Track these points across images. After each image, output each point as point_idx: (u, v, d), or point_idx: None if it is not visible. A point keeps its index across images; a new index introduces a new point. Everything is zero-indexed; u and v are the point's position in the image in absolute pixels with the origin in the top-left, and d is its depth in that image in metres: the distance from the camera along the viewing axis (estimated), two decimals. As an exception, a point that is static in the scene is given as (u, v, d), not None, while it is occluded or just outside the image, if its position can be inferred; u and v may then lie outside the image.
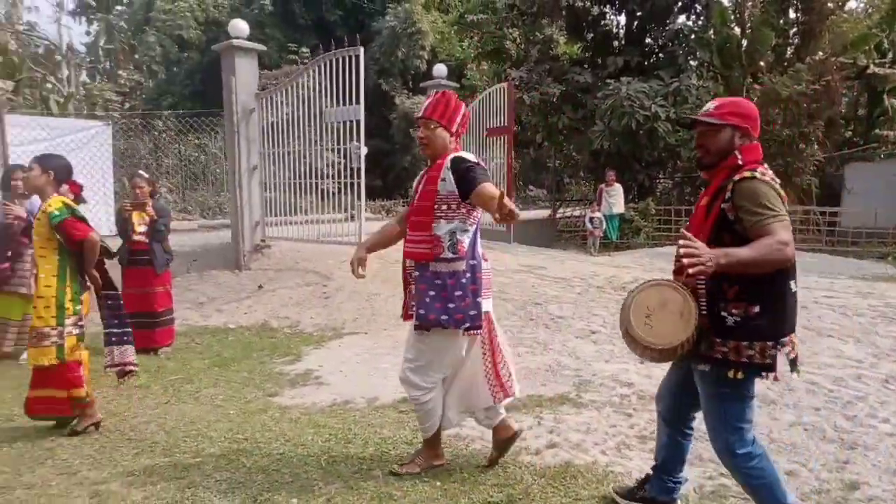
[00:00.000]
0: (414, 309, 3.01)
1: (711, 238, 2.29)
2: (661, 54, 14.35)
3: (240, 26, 8.26)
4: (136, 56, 23.46)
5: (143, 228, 5.52)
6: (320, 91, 7.92)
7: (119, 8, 27.15)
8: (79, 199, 3.92)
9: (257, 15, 21.30)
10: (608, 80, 11.97)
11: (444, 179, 2.95)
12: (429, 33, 20.30)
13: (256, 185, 8.32)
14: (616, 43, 14.90)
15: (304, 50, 17.89)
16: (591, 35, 14.75)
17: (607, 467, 3.27)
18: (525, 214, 17.49)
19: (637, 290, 2.41)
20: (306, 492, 2.99)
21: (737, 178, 2.30)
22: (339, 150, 8.00)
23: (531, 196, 25.04)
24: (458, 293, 2.94)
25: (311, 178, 8.11)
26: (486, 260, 3.10)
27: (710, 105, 2.49)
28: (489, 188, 2.83)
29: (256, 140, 8.30)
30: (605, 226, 11.15)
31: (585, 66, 14.02)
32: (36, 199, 5.34)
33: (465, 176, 2.90)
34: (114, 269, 5.72)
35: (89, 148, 7.83)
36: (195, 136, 15.54)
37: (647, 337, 2.32)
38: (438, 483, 3.07)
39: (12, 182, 5.23)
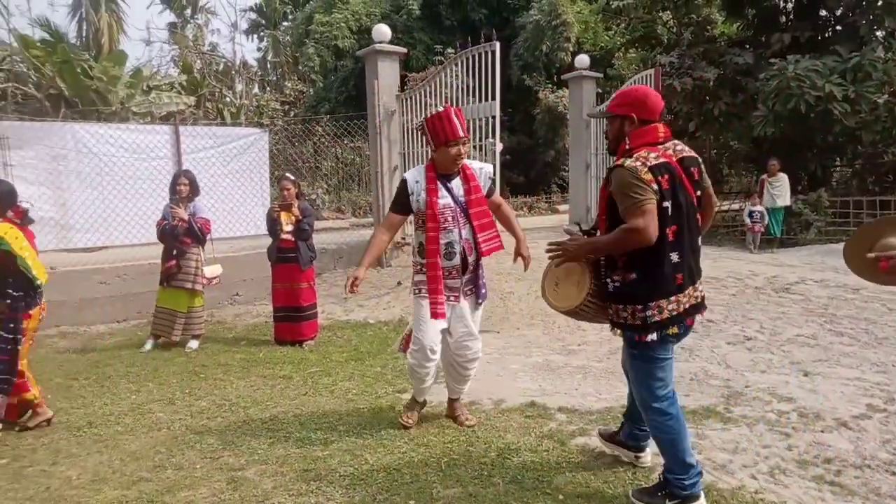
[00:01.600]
0: (479, 290, 3.67)
1: (609, 223, 2.67)
2: (838, 26, 12.75)
3: (382, 30, 8.52)
4: (299, 67, 25.25)
5: (289, 228, 5.84)
6: (458, 89, 7.95)
7: (285, 24, 29.45)
8: (24, 220, 3.99)
9: (405, 20, 22.00)
10: (772, 60, 10.80)
11: (483, 181, 3.63)
12: (574, 24, 19.72)
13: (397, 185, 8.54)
14: (783, 18, 13.46)
15: (450, 50, 18.21)
16: (754, 12, 13.46)
17: (756, 494, 2.89)
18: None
19: (550, 264, 2.91)
20: (424, 495, 2.95)
21: (612, 165, 2.64)
22: (476, 147, 7.97)
23: (685, 189, 23.43)
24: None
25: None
26: None
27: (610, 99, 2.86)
28: None
29: (397, 140, 8.52)
30: (766, 220, 10.08)
31: (746, 45, 12.81)
32: (199, 201, 5.87)
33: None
34: (265, 265, 6.15)
35: (249, 153, 8.52)
36: (350, 139, 16.41)
37: (553, 300, 2.89)
38: (561, 497, 2.89)
39: (178, 187, 5.77)
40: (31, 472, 3.35)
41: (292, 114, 24.19)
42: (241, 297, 8.06)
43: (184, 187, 5.73)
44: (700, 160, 2.75)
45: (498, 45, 7.12)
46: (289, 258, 5.85)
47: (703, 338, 5.48)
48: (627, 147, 2.64)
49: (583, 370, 4.87)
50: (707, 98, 12.13)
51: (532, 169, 20.86)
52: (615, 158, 2.72)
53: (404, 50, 9.18)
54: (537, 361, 5.13)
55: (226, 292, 7.86)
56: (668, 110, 13.47)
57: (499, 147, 7.31)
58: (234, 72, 25.61)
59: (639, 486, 2.91)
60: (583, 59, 10.43)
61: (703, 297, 2.74)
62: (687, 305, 2.65)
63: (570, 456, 3.32)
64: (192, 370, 5.20)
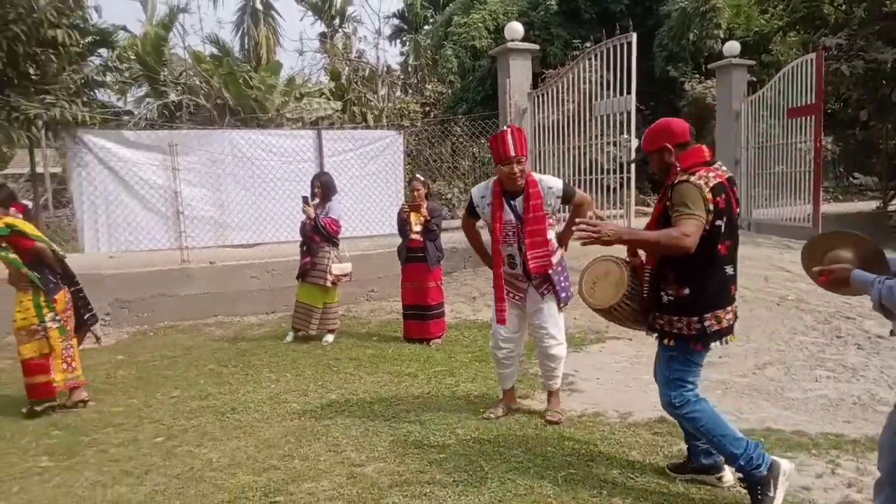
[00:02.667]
0: (559, 294, 3.85)
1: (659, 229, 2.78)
2: None
3: (514, 28, 8.44)
4: (438, 69, 25.84)
5: (418, 228, 5.96)
6: (593, 83, 7.67)
7: (426, 28, 30.27)
8: (27, 216, 4.61)
9: (543, 16, 21.72)
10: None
11: (548, 200, 3.76)
12: (724, 9, 18.33)
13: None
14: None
15: (588, 44, 17.68)
16: (945, -20, 11.68)
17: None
18: (842, 207, 14.69)
19: (592, 262, 3.01)
20: (538, 508, 2.84)
21: (674, 181, 2.75)
22: (611, 144, 7.65)
23: (856, 185, 21.01)
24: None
25: (589, 174, 7.89)
26: None
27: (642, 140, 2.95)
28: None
29: (528, 140, 8.40)
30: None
31: (935, 20, 11.15)
32: (335, 202, 6.15)
33: (567, 190, 3.84)
34: (399, 263, 6.31)
35: (385, 155, 8.82)
36: (487, 138, 16.50)
37: (589, 298, 2.95)
38: (687, 526, 2.66)
39: (313, 189, 6.09)
40: (179, 452, 3.68)
41: (432, 115, 24.76)
42: (375, 294, 8.36)
43: (317, 189, 6.04)
44: (734, 180, 2.88)
45: (634, 36, 6.77)
46: (417, 257, 5.97)
47: (870, 356, 4.83)
48: (680, 169, 2.76)
49: (723, 385, 4.48)
50: (883, 82, 10.72)
51: (675, 165, 19.72)
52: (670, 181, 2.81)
53: (536, 47, 9.03)
54: (671, 373, 4.79)
55: (362, 288, 8.19)
56: (835, 97, 12.08)
57: (634, 143, 6.95)
58: (378, 77, 26.75)
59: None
60: (732, 47, 9.64)
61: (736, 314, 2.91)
62: (734, 313, 2.83)
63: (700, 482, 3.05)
64: (326, 363, 5.46)
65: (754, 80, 11.39)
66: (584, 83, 7.83)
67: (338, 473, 3.29)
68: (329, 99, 20.99)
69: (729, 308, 2.78)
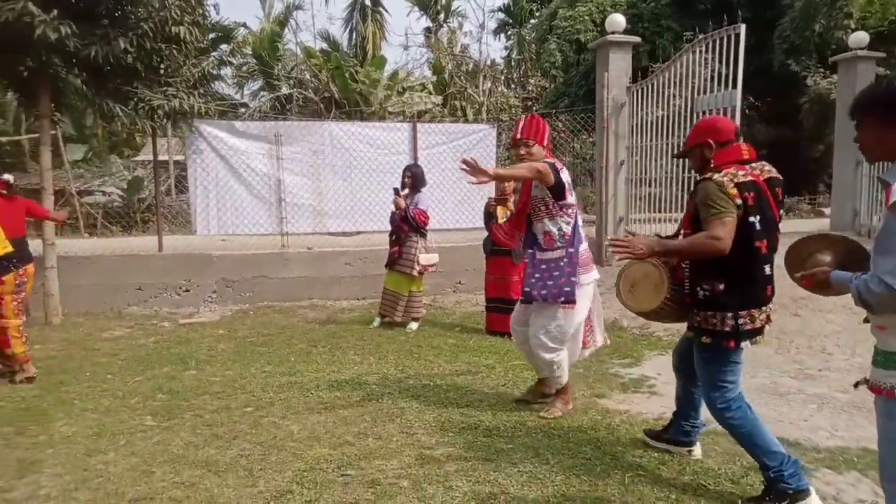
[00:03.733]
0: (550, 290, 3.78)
1: (692, 230, 2.82)
2: None
3: (616, 20, 8.23)
4: (540, 63, 25.56)
5: (504, 221, 5.96)
6: (697, 76, 7.33)
7: (531, 22, 30.01)
8: (10, 191, 5.10)
9: (653, 7, 20.94)
10: None
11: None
12: (856, -3, 16.90)
13: (622, 181, 8.20)
14: None
15: (701, 36, 16.85)
16: None
17: None
18: None
19: (627, 266, 2.98)
20: (601, 506, 2.81)
21: (699, 179, 2.80)
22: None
23: None
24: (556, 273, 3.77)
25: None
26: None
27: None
28: None
29: (625, 135, 8.17)
30: None
31: None
32: (424, 194, 6.28)
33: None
34: (478, 257, 6.36)
35: (478, 149, 8.86)
36: (588, 133, 16.18)
37: (629, 302, 2.98)
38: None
39: (403, 179, 6.25)
40: (265, 422, 3.92)
41: (532, 109, 24.51)
42: (462, 286, 8.46)
43: (407, 180, 6.20)
44: (782, 181, 2.86)
45: (743, 27, 6.42)
46: (502, 251, 5.97)
47: None
48: (713, 166, 2.79)
49: (819, 399, 4.19)
50: None
51: (795, 166, 18.40)
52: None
53: (637, 39, 8.75)
54: (763, 383, 4.54)
55: (450, 280, 8.32)
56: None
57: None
58: (480, 71, 26.85)
59: (749, 496, 2.88)
60: (859, 37, 8.90)
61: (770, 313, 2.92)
62: (768, 313, 2.83)
63: (781, 496, 2.88)
64: (408, 349, 5.61)
65: (887, 73, 10.44)
66: (690, 77, 7.50)
67: (407, 454, 3.39)
68: (430, 93, 21.33)
69: (764, 308, 2.79)
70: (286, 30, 21.33)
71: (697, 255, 2.75)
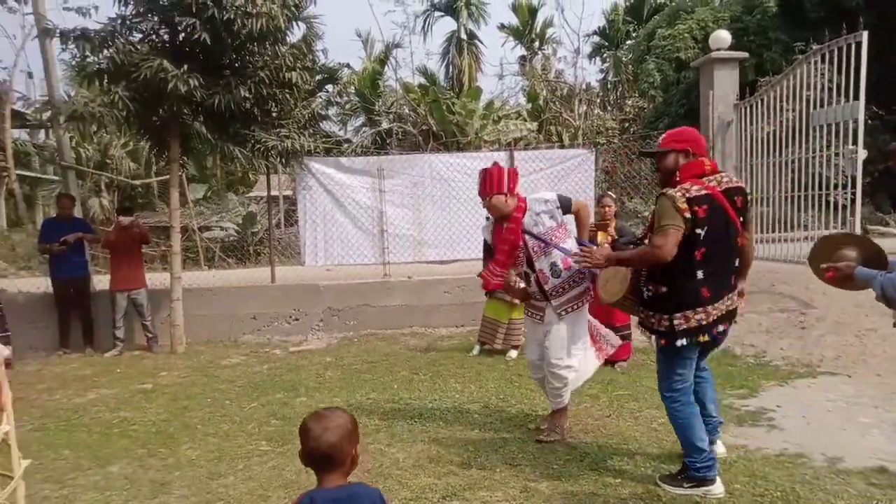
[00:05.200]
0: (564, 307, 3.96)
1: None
2: None
3: (720, 37, 7.95)
4: (638, 84, 25.04)
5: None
6: (812, 90, 6.91)
7: (628, 43, 29.53)
8: None
9: (759, 20, 20.03)
10: None
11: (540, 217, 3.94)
12: None
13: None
14: None
15: (815, 46, 15.85)
16: None
17: None
18: None
19: (605, 269, 3.44)
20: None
21: (658, 193, 3.08)
22: (836, 155, 6.80)
23: None
24: None
25: (808, 189, 7.08)
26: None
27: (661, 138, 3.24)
28: None
29: (732, 153, 7.81)
30: None
31: None
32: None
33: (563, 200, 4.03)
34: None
35: (576, 174, 8.75)
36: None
37: (602, 294, 3.48)
38: None
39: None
40: (372, 449, 4.02)
41: (631, 131, 24.00)
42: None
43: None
44: (745, 191, 3.17)
45: (865, 34, 6.00)
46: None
47: None
48: (677, 179, 3.04)
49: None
50: None
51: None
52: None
53: (745, 55, 8.38)
54: (901, 419, 4.13)
55: (549, 307, 8.20)
56: None
57: (861, 155, 6.13)
58: (575, 95, 26.66)
59: (663, 473, 3.34)
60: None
61: (734, 309, 3.14)
62: (716, 316, 3.05)
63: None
64: (509, 378, 5.58)
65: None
66: (806, 89, 7.06)
67: (512, 486, 3.36)
68: (525, 120, 21.40)
69: (700, 310, 3.02)
70: (386, 67, 22.20)
71: (645, 263, 3.12)
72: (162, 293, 7.72)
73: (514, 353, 6.28)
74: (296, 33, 7.56)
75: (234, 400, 5.30)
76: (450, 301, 8.21)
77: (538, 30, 27.53)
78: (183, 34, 6.84)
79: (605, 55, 30.62)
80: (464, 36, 25.65)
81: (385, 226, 8.64)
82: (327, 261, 8.73)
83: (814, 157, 6.95)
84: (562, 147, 18.36)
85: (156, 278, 8.21)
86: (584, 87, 27.72)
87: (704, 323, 3.02)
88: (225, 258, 14.81)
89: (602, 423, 4.31)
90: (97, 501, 3.43)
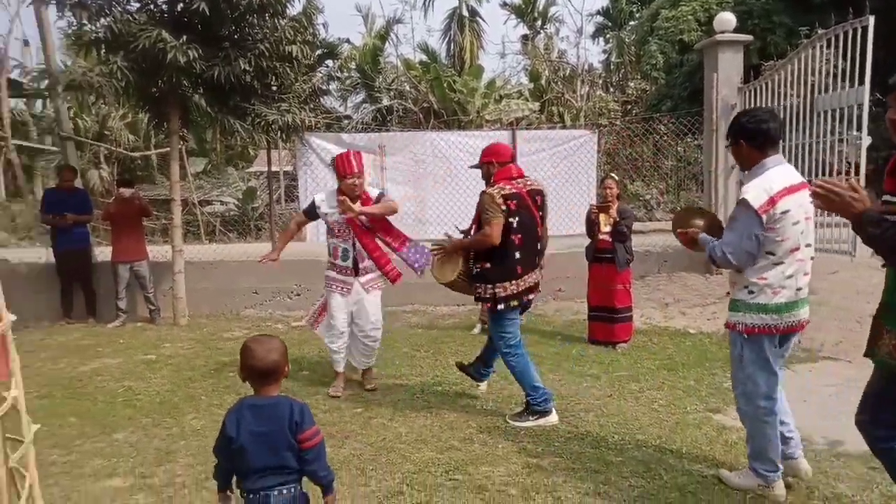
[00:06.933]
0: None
1: (477, 228, 3.99)
2: None
3: (724, 19, 7.89)
4: (641, 65, 24.87)
5: (607, 228, 5.85)
6: (817, 75, 6.87)
7: (631, 24, 29.25)
8: None
9: (763, 3, 19.84)
10: None
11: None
12: None
13: (734, 184, 7.81)
14: None
15: (820, 30, 15.71)
16: None
17: None
18: None
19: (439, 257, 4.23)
20: (719, 526, 2.70)
21: (481, 192, 3.97)
22: (838, 141, 6.79)
23: None
24: None
25: (811, 175, 7.07)
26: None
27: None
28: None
29: (737, 137, 7.77)
30: None
31: None
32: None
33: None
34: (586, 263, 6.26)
35: (578, 155, 8.73)
36: (693, 136, 15.52)
37: (437, 276, 4.24)
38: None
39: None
40: (375, 423, 4.06)
41: (633, 113, 23.89)
42: (563, 294, 8.35)
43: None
44: (542, 191, 4.10)
45: (871, 19, 5.95)
46: (605, 259, 5.87)
47: None
48: (493, 181, 3.94)
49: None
50: None
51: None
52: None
53: (749, 38, 8.33)
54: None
55: (549, 287, 8.23)
56: None
57: (865, 141, 6.12)
58: (577, 76, 26.45)
59: (511, 413, 4.11)
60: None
61: (536, 283, 4.06)
62: (523, 287, 3.93)
63: None
64: (510, 357, 5.61)
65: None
66: (811, 74, 7.02)
67: (514, 461, 3.41)
68: (527, 100, 21.26)
69: (515, 281, 3.90)
70: (387, 43, 21.97)
71: (478, 246, 3.93)
72: (164, 266, 7.72)
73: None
74: (296, 6, 7.48)
75: (237, 372, 5.30)
76: (450, 279, 8.22)
77: (541, 8, 27.21)
78: (181, 4, 6.74)
79: (607, 36, 30.33)
80: (465, 13, 25.33)
81: (386, 203, 8.61)
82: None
83: (818, 143, 6.93)
84: (563, 128, 18.28)
85: (157, 251, 8.20)
86: (586, 67, 27.53)
87: (516, 292, 3.90)
88: (226, 232, 14.78)
89: (603, 402, 4.36)
90: (104, 467, 3.47)
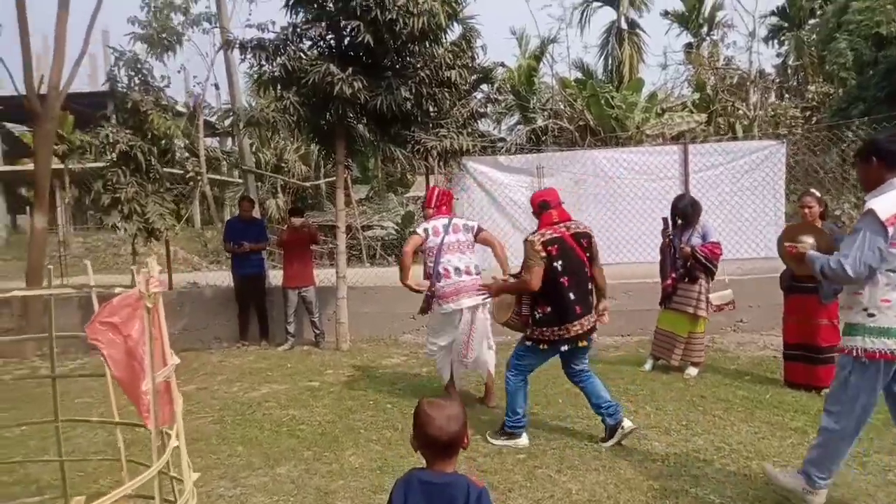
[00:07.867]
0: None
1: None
2: None
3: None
4: (825, 66, 22.33)
5: (809, 254, 5.01)
6: None
7: (811, 21, 26.46)
8: None
9: None
10: None
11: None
12: None
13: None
14: None
15: None
16: None
17: None
18: None
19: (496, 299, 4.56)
20: None
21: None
22: None
23: None
24: None
25: None
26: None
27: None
28: None
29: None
30: None
31: None
32: (707, 222, 5.63)
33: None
34: (776, 291, 5.44)
35: (762, 168, 7.75)
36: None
37: (496, 317, 4.56)
38: None
39: (675, 217, 5.68)
40: (540, 474, 3.68)
41: (814, 120, 21.51)
42: (745, 325, 7.44)
43: (678, 219, 5.74)
44: (590, 234, 4.17)
45: None
46: (806, 288, 5.00)
47: None
48: (538, 227, 4.12)
49: None
50: None
51: None
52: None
53: None
54: None
55: (729, 318, 7.36)
56: None
57: None
58: (748, 83, 24.31)
59: (493, 430, 4.32)
60: None
61: (593, 326, 4.15)
62: (581, 331, 4.04)
63: None
64: (690, 400, 4.97)
65: None
66: None
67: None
68: (692, 112, 19.86)
69: (576, 322, 3.98)
70: (541, 63, 21.73)
71: (519, 291, 4.17)
72: (328, 291, 7.98)
73: (693, 371, 5.63)
74: (453, 33, 7.48)
75: (395, 404, 5.22)
76: (615, 308, 7.55)
77: (706, 14, 25.50)
78: (348, 38, 6.96)
79: (783, 37, 27.70)
80: (624, 25, 24.40)
81: (544, 227, 8.24)
82: (483, 262, 8.53)
83: None
84: (734, 139, 16.80)
85: (323, 274, 8.52)
86: (758, 73, 25.25)
87: (580, 333, 4.01)
88: (385, 256, 15.26)
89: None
90: (267, 505, 3.44)
